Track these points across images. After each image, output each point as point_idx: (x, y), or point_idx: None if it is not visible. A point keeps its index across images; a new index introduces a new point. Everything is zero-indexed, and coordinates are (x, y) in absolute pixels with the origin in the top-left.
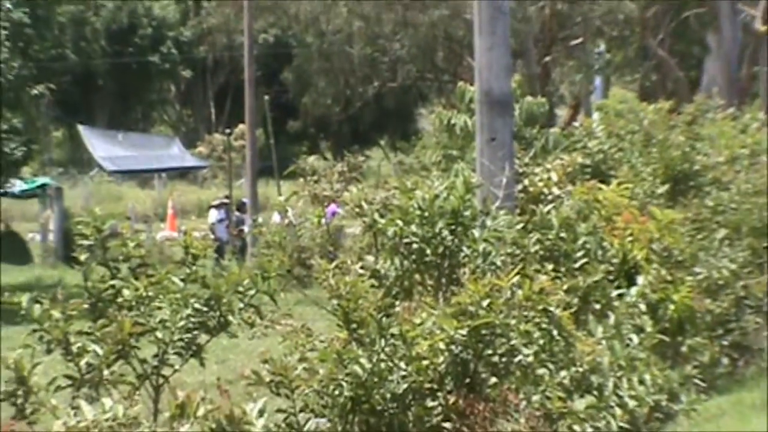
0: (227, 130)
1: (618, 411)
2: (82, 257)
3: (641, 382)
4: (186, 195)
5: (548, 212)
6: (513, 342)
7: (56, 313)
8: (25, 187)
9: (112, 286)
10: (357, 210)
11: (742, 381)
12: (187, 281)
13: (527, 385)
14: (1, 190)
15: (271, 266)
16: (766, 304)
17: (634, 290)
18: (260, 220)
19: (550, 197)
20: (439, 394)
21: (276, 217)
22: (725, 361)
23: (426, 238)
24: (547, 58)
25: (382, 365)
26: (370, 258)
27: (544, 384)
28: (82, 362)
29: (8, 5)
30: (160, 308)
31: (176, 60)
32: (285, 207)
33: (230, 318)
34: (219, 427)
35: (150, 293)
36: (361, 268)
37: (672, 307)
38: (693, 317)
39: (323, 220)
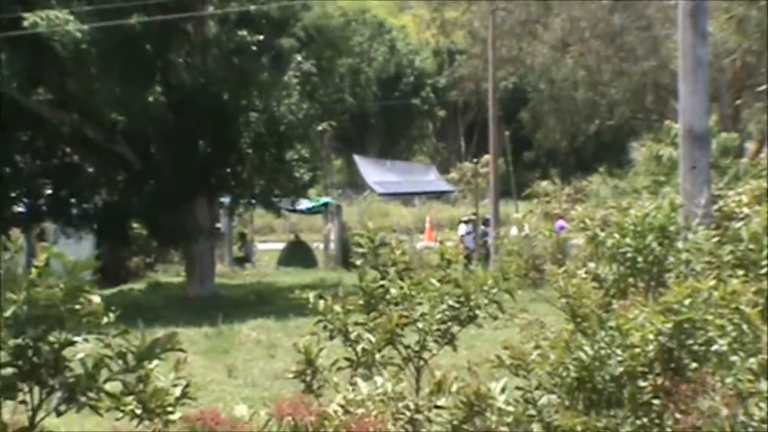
0: (474, 160)
1: None
2: (358, 262)
3: None
4: (440, 212)
5: (739, 228)
6: (710, 334)
7: (337, 308)
8: (311, 205)
9: (382, 286)
10: (581, 225)
11: None
12: (443, 282)
13: (722, 370)
14: (293, 208)
15: (511, 270)
16: None
17: None
18: (501, 233)
19: (740, 215)
20: (649, 376)
21: (514, 231)
22: None
23: (638, 249)
24: (738, 101)
25: (602, 352)
26: (592, 264)
27: (735, 368)
28: (358, 347)
29: (299, 59)
30: (420, 304)
31: (433, 102)
32: (522, 222)
33: (477, 312)
34: (468, 401)
35: (413, 292)
36: (585, 272)
37: None
38: None
39: (553, 233)
